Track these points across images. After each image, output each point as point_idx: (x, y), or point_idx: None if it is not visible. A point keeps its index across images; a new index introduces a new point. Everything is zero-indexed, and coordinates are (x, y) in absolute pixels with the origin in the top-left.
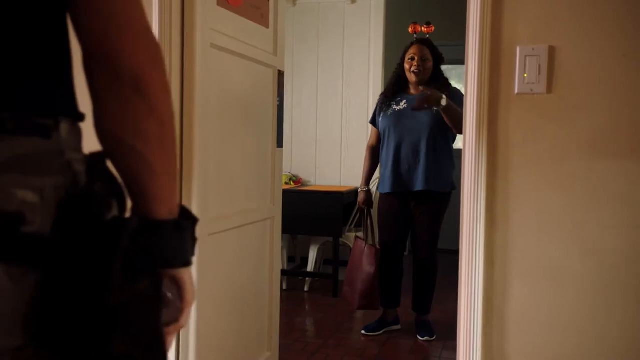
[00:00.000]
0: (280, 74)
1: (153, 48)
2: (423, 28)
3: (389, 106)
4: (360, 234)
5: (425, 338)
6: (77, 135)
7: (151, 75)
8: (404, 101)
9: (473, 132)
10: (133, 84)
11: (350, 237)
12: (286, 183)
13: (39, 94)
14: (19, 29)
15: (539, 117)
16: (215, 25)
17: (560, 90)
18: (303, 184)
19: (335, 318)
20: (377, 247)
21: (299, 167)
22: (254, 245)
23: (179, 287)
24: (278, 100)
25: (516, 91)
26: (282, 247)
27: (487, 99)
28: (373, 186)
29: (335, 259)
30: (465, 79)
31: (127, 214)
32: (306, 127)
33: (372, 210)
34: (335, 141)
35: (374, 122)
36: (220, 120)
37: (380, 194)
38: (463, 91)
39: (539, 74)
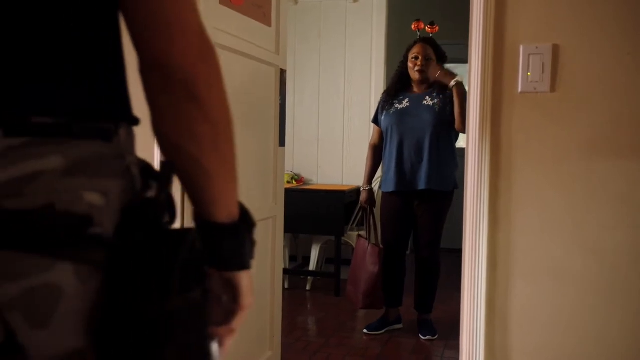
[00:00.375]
0: (283, 73)
1: (205, 48)
2: (427, 28)
3: (392, 105)
4: (363, 233)
5: (428, 337)
6: (133, 139)
7: (203, 77)
8: (407, 100)
9: (476, 131)
10: (184, 86)
11: (352, 236)
12: (288, 182)
13: (100, 98)
14: (79, 37)
15: (542, 116)
16: (217, 24)
17: (564, 89)
18: (305, 183)
19: (337, 317)
20: (381, 246)
21: (301, 166)
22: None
23: (234, 289)
24: (280, 99)
25: (519, 90)
26: (284, 246)
27: (491, 98)
28: (375, 185)
29: (337, 257)
30: (468, 78)
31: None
32: (308, 125)
33: (374, 209)
34: (337, 140)
35: (376, 120)
36: None
37: (383, 192)
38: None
39: (543, 72)
